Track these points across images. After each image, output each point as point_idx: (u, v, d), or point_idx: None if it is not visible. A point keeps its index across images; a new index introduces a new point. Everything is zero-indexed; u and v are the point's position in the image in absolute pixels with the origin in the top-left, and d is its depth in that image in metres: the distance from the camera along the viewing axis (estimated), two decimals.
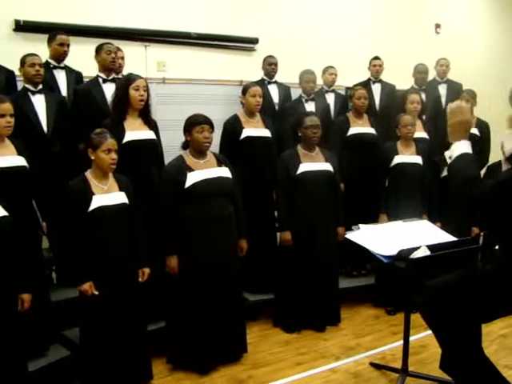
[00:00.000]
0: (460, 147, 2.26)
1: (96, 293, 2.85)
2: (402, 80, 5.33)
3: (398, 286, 3.36)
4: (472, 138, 4.52)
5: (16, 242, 2.58)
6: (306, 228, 3.83)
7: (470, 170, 2.18)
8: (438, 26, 6.74)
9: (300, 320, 3.91)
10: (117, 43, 4.31)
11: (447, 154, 2.31)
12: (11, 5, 4.37)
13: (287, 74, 5.00)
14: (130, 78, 3.46)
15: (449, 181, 4.17)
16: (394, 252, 2.51)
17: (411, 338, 3.13)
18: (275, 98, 4.91)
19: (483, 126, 4.98)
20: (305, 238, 3.83)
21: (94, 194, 2.87)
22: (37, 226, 3.24)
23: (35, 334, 3.06)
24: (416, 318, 2.41)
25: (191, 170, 3.28)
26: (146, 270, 3.09)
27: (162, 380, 3.23)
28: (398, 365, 3.09)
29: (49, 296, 3.35)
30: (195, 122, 3.31)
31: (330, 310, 3.99)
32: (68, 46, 4.09)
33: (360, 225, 2.90)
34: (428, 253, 2.50)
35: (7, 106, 2.95)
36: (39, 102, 3.70)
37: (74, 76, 4.19)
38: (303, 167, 3.81)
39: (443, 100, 5.36)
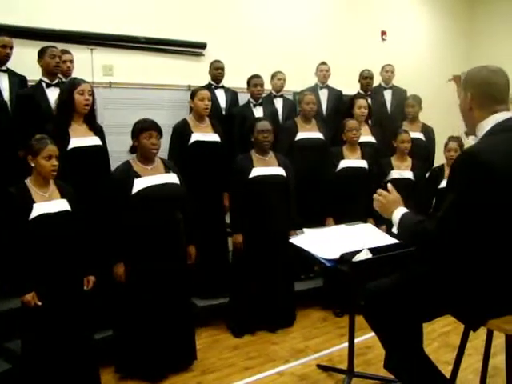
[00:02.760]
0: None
1: (39, 303, 2.78)
2: (348, 85, 5.43)
3: (344, 288, 3.43)
4: (417, 143, 4.77)
5: None
6: (258, 231, 3.87)
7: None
8: (383, 33, 6.90)
9: (252, 323, 3.94)
10: (62, 46, 4.24)
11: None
12: None
13: (235, 79, 5.02)
14: (75, 83, 3.41)
15: None
16: (336, 255, 2.55)
17: (357, 340, 3.21)
18: (222, 102, 4.90)
19: (428, 131, 5.14)
20: (257, 241, 3.87)
21: (34, 201, 2.80)
22: None
23: None
24: (362, 320, 2.45)
25: (138, 175, 3.24)
26: (91, 278, 3.04)
27: None
28: (345, 366, 3.15)
29: None
30: (143, 128, 3.28)
31: (283, 311, 4.03)
32: (11, 48, 3.96)
33: (304, 229, 2.94)
34: (370, 256, 2.55)
35: None
36: None
37: (18, 80, 4.06)
38: (256, 171, 3.85)
39: (388, 105, 5.51)
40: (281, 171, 3.96)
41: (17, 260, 2.78)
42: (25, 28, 4.48)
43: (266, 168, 3.91)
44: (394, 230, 2.28)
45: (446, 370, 2.50)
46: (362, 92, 5.35)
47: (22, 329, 2.91)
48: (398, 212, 2.26)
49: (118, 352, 3.33)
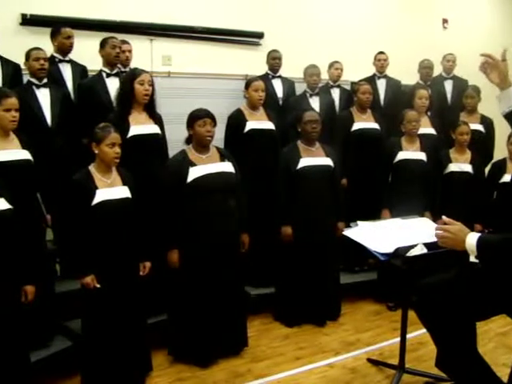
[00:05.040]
0: None
1: (98, 286, 2.89)
2: (407, 75, 5.31)
3: (398, 282, 3.38)
4: (476, 135, 4.61)
5: (20, 234, 2.62)
6: (305, 223, 3.85)
7: None
8: (445, 20, 6.69)
9: (300, 314, 3.94)
10: (122, 37, 4.35)
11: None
12: None
13: (292, 69, 5.00)
14: (135, 73, 3.49)
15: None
16: (390, 249, 2.52)
17: (410, 335, 3.16)
18: (279, 92, 4.91)
19: (487, 122, 4.96)
20: (305, 232, 3.85)
21: (97, 187, 2.90)
22: (41, 218, 3.28)
23: (38, 325, 3.10)
24: (415, 315, 2.42)
25: (193, 164, 3.30)
26: (147, 264, 3.12)
27: (163, 372, 3.28)
28: (396, 361, 3.11)
29: (53, 288, 3.39)
30: (197, 116, 3.33)
31: (330, 304, 4.01)
32: (73, 38, 4.12)
33: (358, 221, 2.91)
34: (425, 251, 2.50)
35: (13, 101, 2.96)
36: (44, 96, 3.74)
37: (80, 70, 4.21)
38: (303, 162, 3.83)
39: (449, 96, 5.34)
40: (328, 161, 3.92)
41: (78, 244, 2.90)
42: (87, 20, 4.63)
43: (314, 158, 3.88)
44: (472, 258, 2.08)
45: (504, 373, 2.41)
46: (421, 82, 5.21)
47: (81, 310, 3.03)
48: (471, 238, 2.06)
49: (170, 336, 3.42)
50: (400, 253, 2.49)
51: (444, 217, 2.22)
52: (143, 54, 4.65)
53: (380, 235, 2.70)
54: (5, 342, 2.54)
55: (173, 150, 3.62)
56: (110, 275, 2.92)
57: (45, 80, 3.77)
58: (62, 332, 3.38)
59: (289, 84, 5.00)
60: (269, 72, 4.93)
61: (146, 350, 3.19)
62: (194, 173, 3.27)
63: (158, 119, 3.62)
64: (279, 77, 4.96)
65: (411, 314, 2.92)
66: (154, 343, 3.32)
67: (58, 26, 4.09)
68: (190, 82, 5.01)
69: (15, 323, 2.61)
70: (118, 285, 2.95)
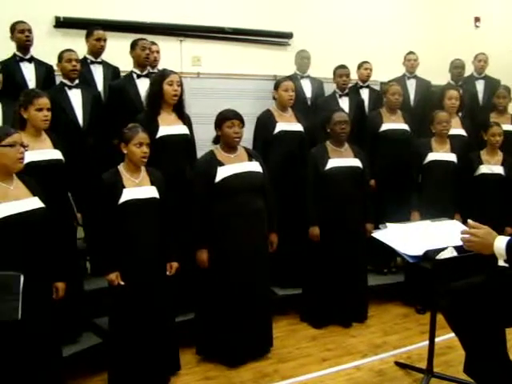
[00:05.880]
0: None
1: (122, 283, 2.93)
2: (437, 75, 5.24)
3: (426, 284, 3.33)
4: (508, 136, 4.52)
5: (52, 232, 2.67)
6: (334, 223, 3.83)
7: None
8: (477, 19, 6.57)
9: (327, 315, 3.92)
10: (153, 38, 4.40)
11: None
12: (52, 2, 4.53)
13: (321, 69, 4.99)
14: (164, 74, 3.52)
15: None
16: (420, 252, 2.49)
17: (438, 339, 3.11)
18: (308, 92, 4.91)
19: None
20: (333, 233, 3.83)
21: (124, 186, 2.94)
22: (72, 217, 3.34)
23: (69, 322, 3.15)
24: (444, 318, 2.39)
25: (222, 164, 3.32)
26: (174, 264, 3.15)
27: (190, 370, 3.30)
28: (424, 365, 3.06)
29: (82, 285, 3.46)
30: (225, 118, 3.34)
31: (357, 306, 3.99)
32: (105, 40, 4.19)
33: (387, 223, 2.88)
34: (455, 254, 2.47)
35: (45, 101, 3.03)
36: (75, 97, 3.81)
37: (111, 71, 4.28)
38: (332, 163, 3.82)
39: (480, 96, 5.25)
40: (357, 162, 3.90)
41: (104, 241, 2.95)
42: (118, 21, 4.70)
43: (342, 159, 3.86)
44: (501, 262, 2.05)
45: None
46: (452, 82, 5.14)
47: (109, 307, 3.08)
48: (500, 242, 2.02)
49: (198, 335, 3.44)
50: (430, 255, 2.46)
51: (470, 221, 2.18)
52: (173, 54, 4.70)
53: (409, 237, 2.67)
54: (39, 337, 2.58)
55: (200, 150, 3.65)
56: (136, 273, 2.95)
57: (76, 81, 3.84)
58: (92, 329, 3.44)
59: (317, 84, 4.99)
60: (297, 72, 4.93)
61: (174, 348, 3.22)
62: (222, 172, 3.29)
63: (186, 120, 3.64)
64: (308, 77, 4.95)
65: (440, 317, 2.88)
66: (182, 342, 3.35)
67: (91, 28, 4.17)
68: (219, 83, 5.05)
69: (48, 319, 2.65)
70: (145, 283, 2.98)
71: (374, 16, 5.87)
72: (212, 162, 3.33)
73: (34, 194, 2.62)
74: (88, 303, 3.48)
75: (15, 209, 2.47)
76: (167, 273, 3.13)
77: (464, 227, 2.94)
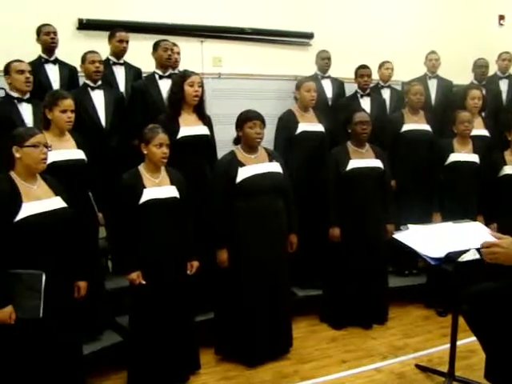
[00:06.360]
0: None
1: (143, 282, 2.96)
2: (460, 75, 5.17)
3: (448, 287, 3.30)
4: None
5: (74, 231, 2.70)
6: (355, 224, 3.81)
7: None
8: (501, 17, 6.46)
9: (347, 317, 3.91)
10: (174, 39, 4.42)
11: None
12: (75, 5, 4.57)
13: (342, 69, 4.97)
14: (185, 75, 3.54)
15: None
16: (442, 254, 2.47)
17: (460, 342, 3.07)
18: (328, 92, 4.89)
19: None
20: (354, 234, 3.81)
21: (145, 186, 2.97)
22: (93, 216, 3.38)
23: (90, 320, 3.19)
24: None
25: (242, 164, 3.33)
26: (195, 264, 3.17)
27: (210, 370, 3.32)
28: (445, 368, 3.03)
29: (104, 284, 3.50)
30: (247, 118, 3.35)
31: (377, 308, 3.96)
32: (127, 42, 4.23)
33: (409, 225, 2.86)
34: (477, 256, 2.43)
35: (69, 102, 3.07)
36: (98, 98, 3.85)
37: (133, 72, 4.32)
38: (353, 163, 3.81)
39: (504, 96, 5.17)
40: (378, 163, 3.88)
41: (125, 241, 2.98)
42: (140, 23, 4.74)
43: (364, 160, 3.85)
44: None
45: None
46: (475, 82, 5.07)
47: (130, 306, 3.11)
48: None
49: (218, 334, 3.45)
50: (452, 258, 2.43)
51: (489, 231, 2.14)
52: (194, 55, 4.73)
53: (431, 239, 2.64)
54: (60, 335, 2.61)
55: (221, 151, 3.66)
56: (157, 272, 2.98)
57: (99, 82, 3.89)
58: (113, 327, 3.48)
59: (338, 84, 4.97)
60: (318, 72, 4.92)
61: (194, 348, 3.24)
62: (242, 173, 3.30)
63: (207, 120, 3.66)
64: (328, 77, 4.93)
65: (462, 320, 2.85)
66: (202, 342, 3.36)
67: (113, 30, 4.22)
68: (240, 83, 5.06)
69: (70, 317, 2.69)
70: (166, 282, 3.01)
71: (395, 15, 5.82)
72: (233, 162, 3.34)
73: (57, 194, 2.66)
74: (109, 302, 3.52)
75: (38, 208, 2.51)
76: (188, 272, 3.15)
77: (487, 229, 2.92)
